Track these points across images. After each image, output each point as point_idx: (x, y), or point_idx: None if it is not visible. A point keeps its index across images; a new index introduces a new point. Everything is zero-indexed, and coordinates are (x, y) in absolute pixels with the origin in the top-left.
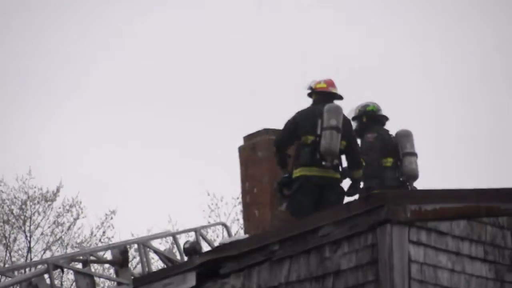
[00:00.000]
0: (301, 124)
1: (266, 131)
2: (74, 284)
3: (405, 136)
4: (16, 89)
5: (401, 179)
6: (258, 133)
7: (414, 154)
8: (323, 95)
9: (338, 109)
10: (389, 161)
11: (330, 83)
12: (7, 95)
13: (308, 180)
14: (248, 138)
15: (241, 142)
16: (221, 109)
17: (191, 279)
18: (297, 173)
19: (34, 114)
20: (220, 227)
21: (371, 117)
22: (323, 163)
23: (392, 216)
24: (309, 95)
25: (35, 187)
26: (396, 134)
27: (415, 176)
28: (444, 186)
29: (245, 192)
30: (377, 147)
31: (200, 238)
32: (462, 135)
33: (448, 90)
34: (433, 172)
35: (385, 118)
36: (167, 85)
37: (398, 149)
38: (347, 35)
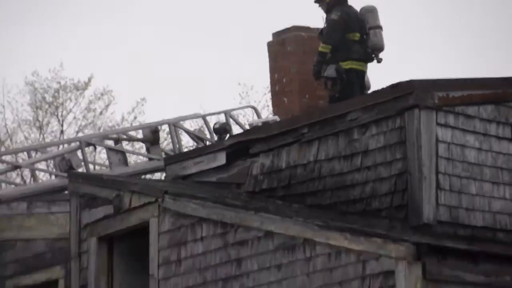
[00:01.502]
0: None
1: (296, 28)
2: (106, 161)
3: (370, 11)
4: None
5: (368, 51)
6: (287, 29)
7: (378, 27)
8: None
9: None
10: (356, 36)
11: None
12: None
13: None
14: (277, 34)
15: (270, 39)
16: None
17: (221, 158)
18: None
19: (66, 7)
20: (250, 110)
21: None
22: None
23: (420, 102)
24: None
25: (67, 78)
26: (361, 9)
27: (380, 47)
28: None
29: (274, 82)
30: (342, 24)
31: (230, 120)
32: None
33: None
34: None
35: None
36: None
37: (365, 24)
38: None
